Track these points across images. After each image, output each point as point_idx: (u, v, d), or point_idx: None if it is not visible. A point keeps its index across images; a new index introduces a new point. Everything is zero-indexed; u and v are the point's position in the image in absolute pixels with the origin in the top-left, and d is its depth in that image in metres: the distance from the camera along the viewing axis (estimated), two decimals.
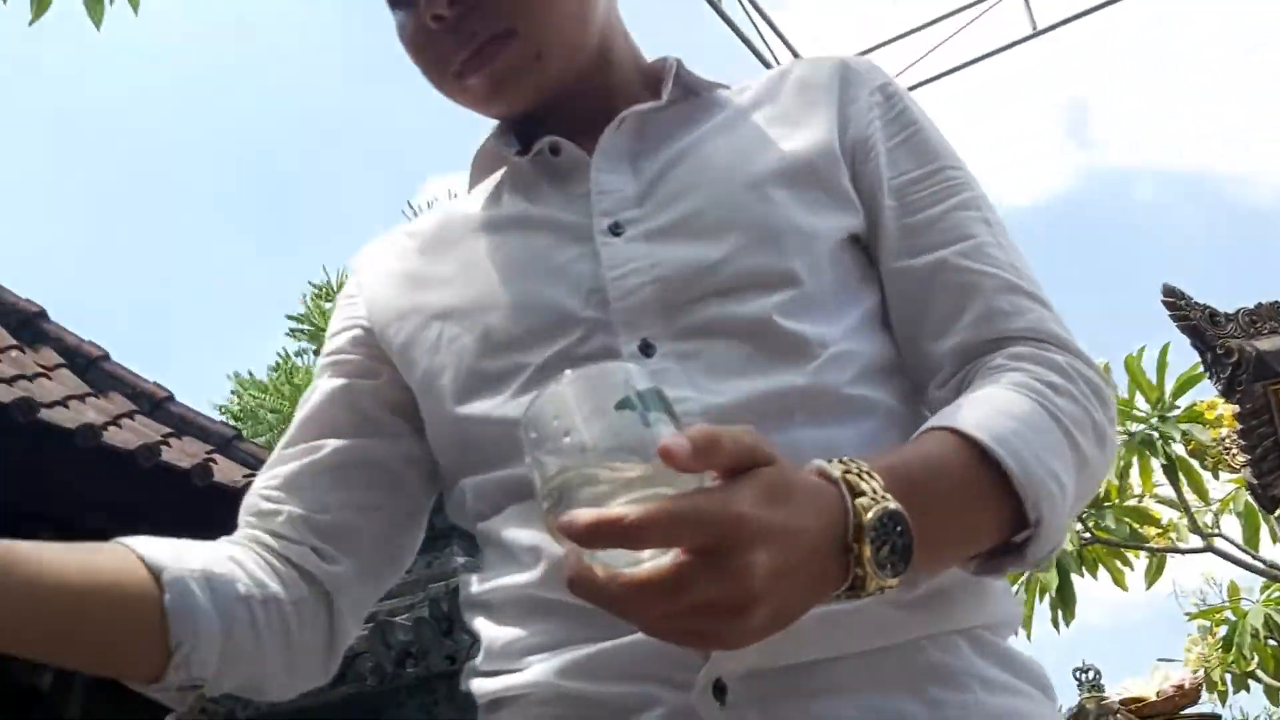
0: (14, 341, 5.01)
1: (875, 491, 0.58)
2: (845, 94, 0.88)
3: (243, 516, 0.86)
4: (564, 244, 0.83)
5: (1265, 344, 4.74)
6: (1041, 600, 8.75)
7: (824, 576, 0.57)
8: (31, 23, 2.14)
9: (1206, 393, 6.71)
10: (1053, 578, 8.55)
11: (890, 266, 0.84)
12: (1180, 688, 8.23)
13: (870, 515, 0.57)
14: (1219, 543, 8.47)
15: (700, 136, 0.88)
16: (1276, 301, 4.97)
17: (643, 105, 0.89)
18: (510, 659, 0.77)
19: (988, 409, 0.70)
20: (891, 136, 0.86)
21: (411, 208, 9.29)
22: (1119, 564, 8.68)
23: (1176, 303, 4.86)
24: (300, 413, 0.91)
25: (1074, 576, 8.76)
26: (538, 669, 0.74)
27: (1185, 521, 8.38)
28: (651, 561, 0.53)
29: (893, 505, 0.58)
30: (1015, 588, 9.06)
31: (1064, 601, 8.63)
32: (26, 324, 5.22)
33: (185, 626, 0.73)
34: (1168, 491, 8.39)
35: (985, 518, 0.68)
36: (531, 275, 0.83)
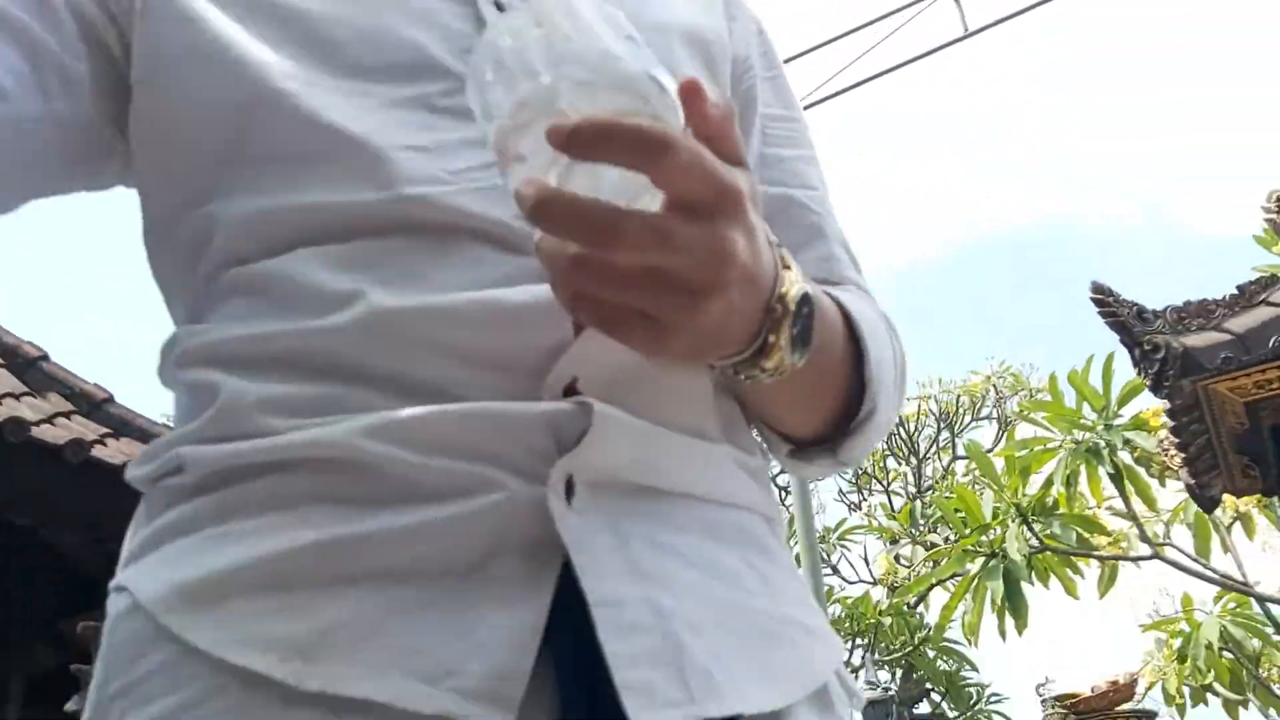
0: None
1: (800, 274, 0.58)
2: (729, 9, 0.89)
3: None
4: None
5: (1193, 340, 4.77)
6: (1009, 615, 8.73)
7: (752, 315, 0.55)
8: None
9: (1154, 403, 6.80)
10: (1000, 585, 8.56)
11: None
12: (1115, 684, 8.24)
13: (795, 288, 0.56)
14: (1169, 552, 8.51)
15: None
16: (1205, 299, 5.02)
17: None
18: (272, 415, 0.60)
19: (862, 308, 0.75)
20: (766, 69, 0.89)
21: None
22: (1070, 573, 8.70)
23: (1105, 299, 4.90)
24: None
25: (1027, 586, 8.76)
26: (323, 430, 0.58)
27: (1134, 530, 8.42)
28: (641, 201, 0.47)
29: (811, 288, 0.58)
30: (963, 594, 9.05)
31: (1015, 610, 8.63)
32: None
33: None
34: (1119, 504, 8.46)
35: (839, 381, 0.71)
36: (391, 10, 0.72)
